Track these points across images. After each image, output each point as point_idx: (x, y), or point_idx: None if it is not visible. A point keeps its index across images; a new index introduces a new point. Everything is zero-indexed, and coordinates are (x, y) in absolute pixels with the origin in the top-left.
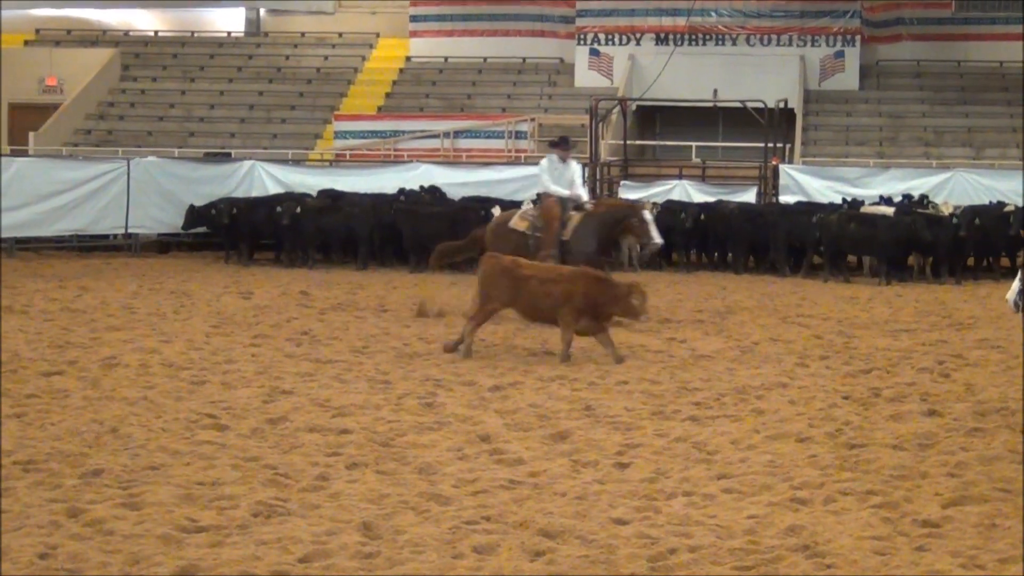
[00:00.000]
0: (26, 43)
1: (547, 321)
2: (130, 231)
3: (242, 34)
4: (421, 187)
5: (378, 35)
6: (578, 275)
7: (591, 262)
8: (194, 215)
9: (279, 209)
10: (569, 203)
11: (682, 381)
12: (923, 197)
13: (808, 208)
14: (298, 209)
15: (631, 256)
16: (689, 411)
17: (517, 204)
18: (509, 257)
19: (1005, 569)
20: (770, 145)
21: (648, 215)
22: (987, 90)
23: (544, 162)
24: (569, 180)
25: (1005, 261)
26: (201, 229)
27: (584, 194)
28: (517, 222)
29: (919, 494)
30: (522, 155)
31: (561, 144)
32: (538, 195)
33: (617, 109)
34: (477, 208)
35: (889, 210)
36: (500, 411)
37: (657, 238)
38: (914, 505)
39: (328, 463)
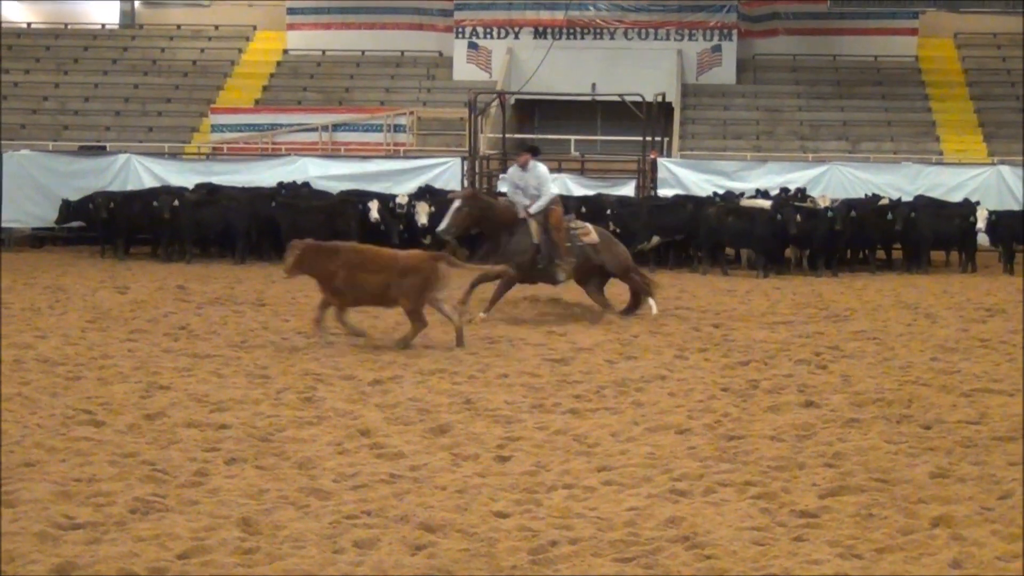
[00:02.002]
0: None
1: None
2: (3, 225)
3: (117, 26)
4: (293, 181)
5: (255, 27)
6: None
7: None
8: (69, 209)
9: (156, 203)
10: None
11: (562, 374)
12: (800, 190)
13: (684, 201)
14: (175, 203)
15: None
16: (569, 404)
17: (394, 198)
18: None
19: (882, 558)
20: (648, 139)
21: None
22: (862, 84)
23: (508, 174)
24: (534, 187)
25: (881, 254)
26: (76, 223)
27: (541, 203)
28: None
29: (797, 485)
30: (400, 148)
31: (525, 153)
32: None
33: (496, 102)
34: (355, 202)
35: (766, 203)
36: (380, 405)
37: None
38: (792, 496)
39: (207, 458)
